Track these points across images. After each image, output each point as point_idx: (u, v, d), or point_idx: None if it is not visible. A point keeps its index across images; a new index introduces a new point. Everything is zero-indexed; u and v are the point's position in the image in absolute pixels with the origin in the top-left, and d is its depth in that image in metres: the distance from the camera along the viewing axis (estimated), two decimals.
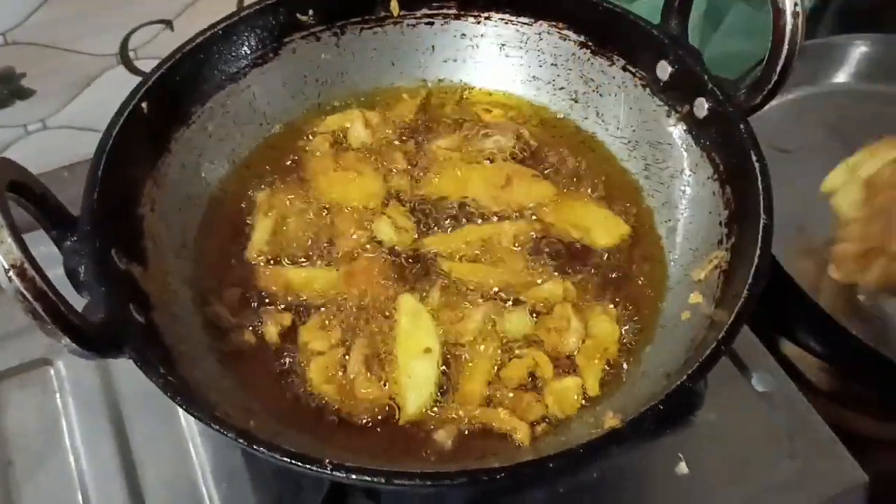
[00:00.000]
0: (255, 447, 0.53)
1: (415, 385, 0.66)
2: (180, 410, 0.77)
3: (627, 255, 0.74)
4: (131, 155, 0.69)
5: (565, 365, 0.67)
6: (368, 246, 0.74)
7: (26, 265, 0.50)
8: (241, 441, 0.53)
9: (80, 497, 0.73)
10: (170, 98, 0.73)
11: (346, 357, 0.67)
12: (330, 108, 0.84)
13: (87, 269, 0.60)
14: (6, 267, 0.49)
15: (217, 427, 0.53)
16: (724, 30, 1.12)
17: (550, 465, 0.52)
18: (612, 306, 0.70)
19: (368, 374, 0.66)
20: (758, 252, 0.61)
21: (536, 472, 0.53)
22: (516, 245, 0.73)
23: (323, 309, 0.70)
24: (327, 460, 0.52)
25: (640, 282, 0.72)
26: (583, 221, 0.75)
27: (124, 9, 1.15)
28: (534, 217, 0.75)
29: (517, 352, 0.67)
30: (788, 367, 0.82)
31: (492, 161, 0.79)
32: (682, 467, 0.73)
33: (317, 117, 0.83)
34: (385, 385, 0.66)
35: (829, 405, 0.79)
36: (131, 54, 1.21)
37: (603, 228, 0.74)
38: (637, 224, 0.75)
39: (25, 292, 0.50)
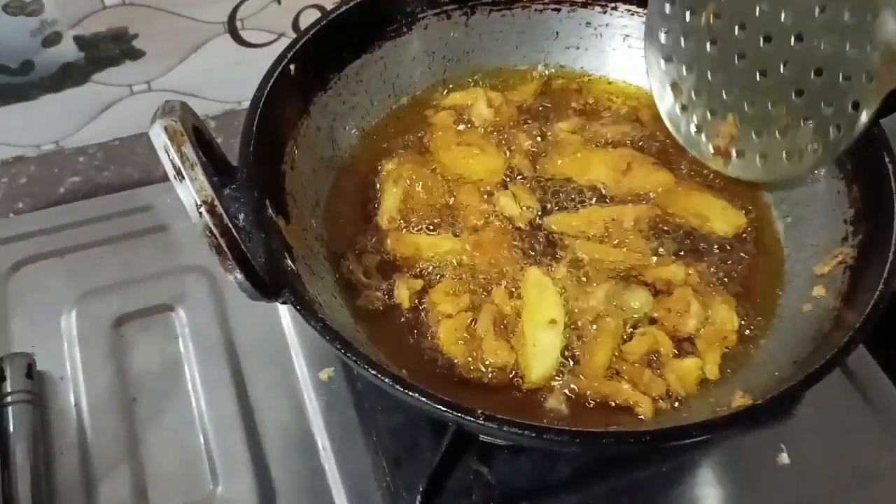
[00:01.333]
0: (409, 393, 0.55)
1: (539, 353, 0.68)
2: (295, 362, 0.81)
3: (746, 247, 0.75)
4: (279, 113, 0.72)
5: (685, 347, 0.69)
6: (493, 219, 0.76)
7: (216, 202, 0.53)
8: (399, 387, 0.55)
9: (200, 437, 0.76)
10: (313, 63, 0.76)
11: (474, 322, 0.70)
12: (454, 86, 0.87)
13: (246, 216, 0.63)
14: (198, 203, 0.53)
15: (374, 372, 0.56)
16: None
17: (693, 432, 0.54)
18: (730, 295, 0.72)
19: (496, 336, 0.68)
20: (893, 248, 0.63)
21: (677, 437, 0.55)
22: (638, 228, 0.75)
23: (451, 276, 0.72)
24: (479, 411, 0.54)
25: (757, 273, 0.74)
26: (702, 209, 0.76)
27: None
28: (654, 203, 0.77)
29: (640, 329, 0.69)
30: (888, 368, 0.83)
31: (614, 146, 0.81)
32: (784, 458, 0.75)
33: (441, 92, 0.86)
34: (512, 348, 0.68)
35: None
36: (238, 24, 1.25)
37: (721, 218, 0.76)
38: (756, 217, 0.77)
39: (213, 227, 0.53)
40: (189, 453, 0.75)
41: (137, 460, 0.75)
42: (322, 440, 0.76)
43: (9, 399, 0.73)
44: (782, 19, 0.70)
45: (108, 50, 1.19)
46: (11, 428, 0.72)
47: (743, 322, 0.70)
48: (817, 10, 0.68)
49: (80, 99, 1.22)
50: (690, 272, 0.72)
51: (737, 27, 0.73)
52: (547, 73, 0.89)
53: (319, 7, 1.28)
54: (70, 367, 0.79)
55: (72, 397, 0.77)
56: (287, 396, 0.78)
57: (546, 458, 0.72)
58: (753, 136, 0.75)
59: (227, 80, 1.30)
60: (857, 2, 0.65)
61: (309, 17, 1.26)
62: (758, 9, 0.72)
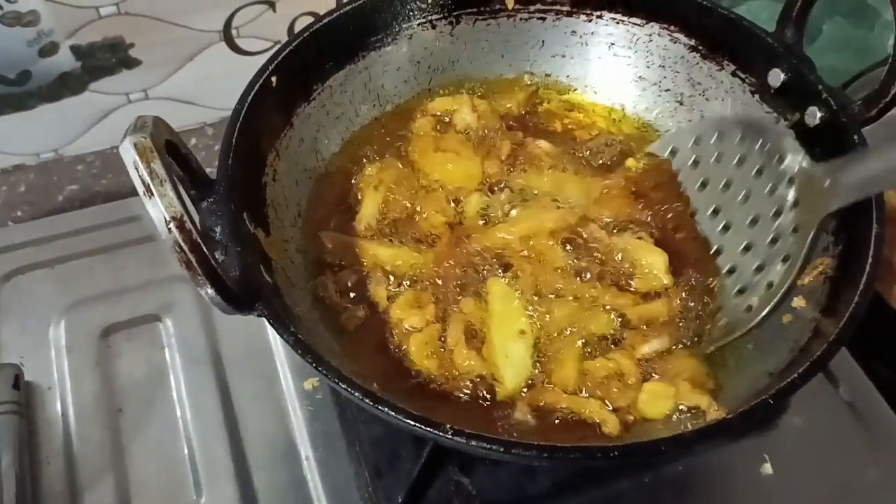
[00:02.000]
0: (379, 407, 0.55)
1: (512, 363, 0.68)
2: (280, 372, 0.81)
3: None
4: (260, 125, 0.72)
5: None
6: (462, 224, 0.76)
7: (185, 218, 0.53)
8: (368, 401, 0.55)
9: (185, 446, 0.77)
10: (296, 74, 0.76)
11: (444, 334, 0.70)
12: (440, 94, 0.87)
13: (223, 229, 0.63)
14: (167, 219, 0.53)
15: (345, 386, 0.56)
16: (821, 44, 1.12)
17: (662, 447, 0.54)
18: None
19: (467, 346, 0.68)
20: (870, 260, 0.62)
21: (646, 453, 0.55)
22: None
23: (416, 285, 0.73)
24: (448, 425, 0.54)
25: None
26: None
27: None
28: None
29: (604, 353, 0.69)
30: (875, 378, 0.82)
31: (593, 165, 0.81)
32: (767, 468, 0.74)
33: (426, 101, 0.86)
34: (484, 359, 0.68)
35: None
36: (234, 32, 1.25)
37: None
38: None
39: (182, 244, 0.53)
40: (173, 463, 0.76)
41: (122, 469, 0.75)
42: (305, 450, 0.77)
43: None
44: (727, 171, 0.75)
45: (105, 59, 1.20)
46: None
47: None
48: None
49: (77, 108, 1.23)
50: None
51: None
52: (534, 81, 0.88)
53: (314, 14, 1.28)
54: (58, 376, 0.80)
55: (59, 407, 0.78)
56: (271, 406, 0.79)
57: (527, 469, 0.72)
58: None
59: (224, 88, 1.30)
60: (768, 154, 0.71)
61: (304, 24, 1.27)
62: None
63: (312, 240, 0.76)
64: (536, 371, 0.68)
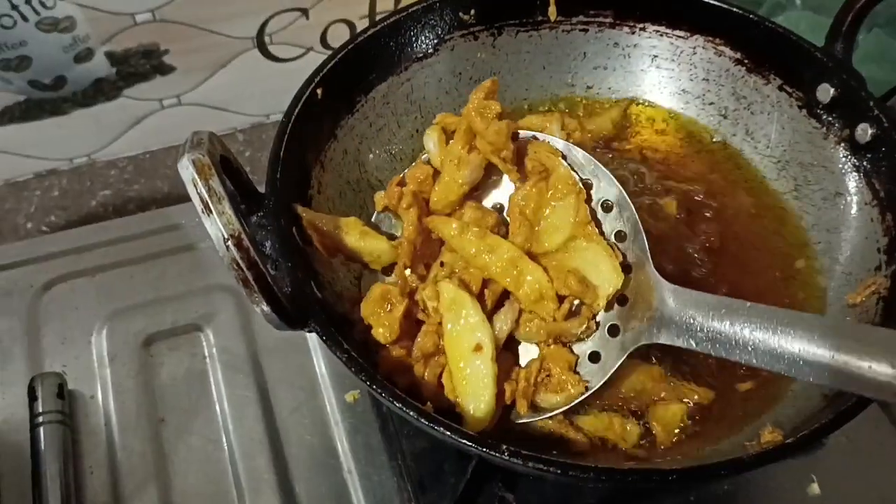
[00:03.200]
0: (434, 427, 0.55)
1: (472, 389, 0.62)
2: (321, 383, 0.81)
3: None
4: (305, 138, 0.72)
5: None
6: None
7: (243, 236, 0.53)
8: (423, 420, 0.55)
9: (227, 456, 0.77)
10: (340, 86, 0.76)
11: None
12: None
13: (273, 244, 0.63)
14: (225, 236, 0.53)
15: (399, 405, 0.56)
16: (859, 55, 1.11)
17: (722, 471, 0.53)
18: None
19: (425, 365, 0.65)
20: None
21: (705, 477, 0.54)
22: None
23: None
24: (505, 447, 0.54)
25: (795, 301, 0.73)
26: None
27: None
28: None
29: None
30: None
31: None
32: (815, 488, 0.74)
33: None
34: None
35: None
36: (266, 39, 1.26)
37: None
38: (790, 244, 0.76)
39: (240, 261, 0.53)
40: (215, 472, 0.76)
41: (165, 479, 0.76)
42: (347, 462, 0.77)
43: (40, 419, 0.74)
44: None
45: (139, 65, 1.21)
46: (43, 447, 0.73)
47: None
48: None
49: (111, 113, 1.24)
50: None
51: None
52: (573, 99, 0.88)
53: (347, 22, 1.28)
54: (100, 386, 0.80)
55: (101, 416, 0.78)
56: (313, 417, 0.79)
57: (571, 485, 0.71)
58: None
59: (256, 94, 1.31)
60: None
61: (337, 32, 1.27)
62: None
63: None
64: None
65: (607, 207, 0.68)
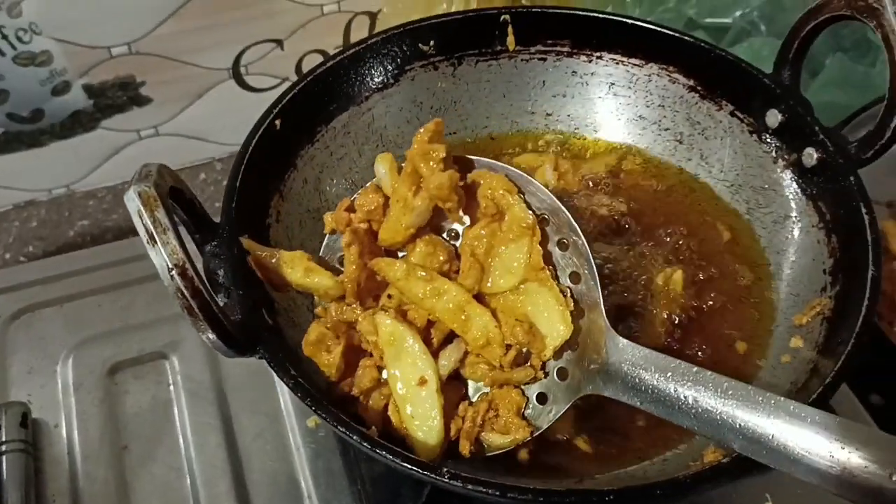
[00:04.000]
0: (377, 451, 0.56)
1: (420, 421, 0.63)
2: (283, 409, 0.82)
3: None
4: (263, 168, 0.74)
5: None
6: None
7: (187, 265, 0.54)
8: (366, 444, 0.56)
9: (188, 483, 0.77)
10: (300, 117, 0.78)
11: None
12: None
13: (226, 273, 0.65)
14: (169, 266, 0.54)
15: (343, 430, 0.57)
16: (823, 79, 1.13)
17: (658, 490, 0.54)
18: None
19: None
20: (866, 302, 0.63)
21: (641, 497, 0.55)
22: None
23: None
24: (444, 469, 0.55)
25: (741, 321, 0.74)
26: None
27: (240, 26, 1.22)
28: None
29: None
30: (873, 412, 0.82)
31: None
32: None
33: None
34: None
35: None
36: (242, 70, 1.28)
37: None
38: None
39: (184, 290, 0.54)
40: (177, 500, 0.77)
41: None
42: (308, 487, 0.77)
43: (3, 448, 0.75)
44: None
45: (116, 97, 1.23)
46: (5, 476, 0.74)
47: None
48: None
49: (89, 144, 1.26)
50: None
51: None
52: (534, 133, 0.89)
53: (322, 52, 1.31)
54: (64, 414, 0.81)
55: (65, 445, 0.79)
56: (275, 443, 0.80)
57: None
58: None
59: (232, 124, 1.33)
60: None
61: (312, 61, 1.29)
62: None
63: None
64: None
65: (563, 246, 0.67)
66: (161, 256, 0.54)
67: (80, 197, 1.31)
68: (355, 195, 0.70)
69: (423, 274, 0.65)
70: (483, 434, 0.66)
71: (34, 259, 1.24)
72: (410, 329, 0.64)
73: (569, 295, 0.66)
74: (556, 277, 0.67)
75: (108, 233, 1.29)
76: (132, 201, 0.55)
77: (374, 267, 0.66)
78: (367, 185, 0.70)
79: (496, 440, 0.65)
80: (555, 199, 0.67)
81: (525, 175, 0.68)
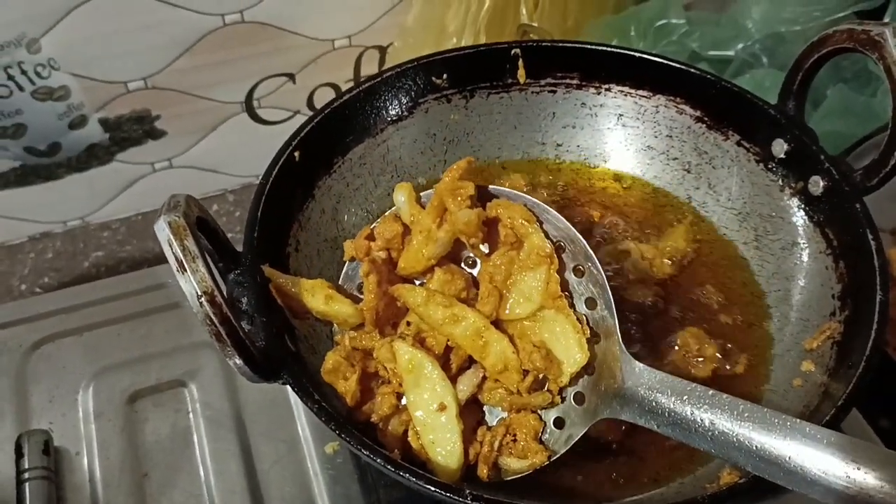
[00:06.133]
0: (401, 473, 0.57)
1: (440, 445, 0.64)
2: (301, 436, 0.83)
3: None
4: (283, 199, 0.76)
5: None
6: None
7: (216, 293, 0.56)
8: (390, 468, 0.57)
9: None
10: (318, 148, 0.80)
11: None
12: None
13: (249, 300, 0.66)
14: (199, 293, 0.56)
15: (367, 453, 0.58)
16: (825, 109, 1.16)
17: None
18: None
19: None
20: (874, 326, 0.64)
21: None
22: None
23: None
24: (468, 491, 0.56)
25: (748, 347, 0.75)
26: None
27: (253, 61, 1.25)
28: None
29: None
30: (882, 435, 0.83)
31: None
32: None
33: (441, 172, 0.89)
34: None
35: None
36: (255, 103, 1.31)
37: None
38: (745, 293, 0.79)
39: (213, 317, 0.56)
40: None
41: None
42: None
43: (26, 475, 0.76)
44: None
45: (132, 130, 1.26)
46: (28, 502, 0.75)
47: None
48: None
49: (104, 177, 1.29)
50: None
51: None
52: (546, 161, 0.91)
53: (333, 85, 1.34)
54: (85, 442, 0.82)
55: (86, 472, 0.80)
56: (293, 469, 0.81)
57: None
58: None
59: (245, 156, 1.36)
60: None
61: (323, 95, 1.32)
62: None
63: None
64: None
65: (579, 273, 0.69)
66: (191, 284, 0.56)
67: (94, 229, 1.33)
68: (374, 224, 0.72)
69: (443, 300, 0.66)
70: (501, 458, 0.67)
71: (49, 290, 1.25)
72: (429, 356, 0.65)
73: (585, 322, 0.67)
74: (573, 304, 0.68)
75: (123, 263, 1.31)
76: (162, 231, 0.57)
77: (394, 293, 0.68)
78: (387, 213, 0.72)
79: (514, 464, 0.66)
80: (571, 227, 0.68)
81: (541, 203, 0.70)
